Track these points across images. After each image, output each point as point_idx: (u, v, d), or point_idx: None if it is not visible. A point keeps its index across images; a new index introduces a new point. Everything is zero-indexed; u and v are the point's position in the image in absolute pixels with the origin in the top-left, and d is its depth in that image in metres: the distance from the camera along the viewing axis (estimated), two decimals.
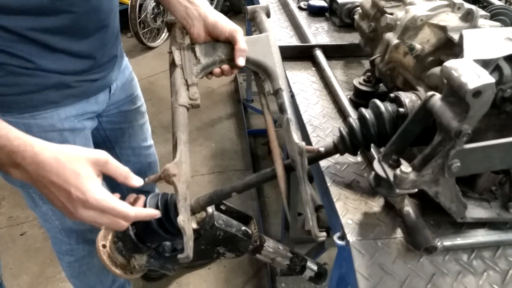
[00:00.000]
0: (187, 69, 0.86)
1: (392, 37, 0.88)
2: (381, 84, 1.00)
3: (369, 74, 0.96)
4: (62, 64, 0.86)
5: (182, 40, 0.91)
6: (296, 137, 0.76)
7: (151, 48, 4.08)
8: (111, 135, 1.13)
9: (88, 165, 0.62)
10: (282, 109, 0.82)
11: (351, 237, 0.68)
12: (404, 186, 0.60)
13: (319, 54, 1.19)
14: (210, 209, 0.87)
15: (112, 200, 0.63)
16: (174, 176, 0.70)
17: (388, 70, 0.91)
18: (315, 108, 1.02)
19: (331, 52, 1.23)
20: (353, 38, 1.37)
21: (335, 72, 1.12)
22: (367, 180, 0.80)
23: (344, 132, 0.77)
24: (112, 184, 1.08)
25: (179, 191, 0.71)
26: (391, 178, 0.62)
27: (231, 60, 0.89)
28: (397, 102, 0.75)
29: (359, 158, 0.86)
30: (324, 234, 0.67)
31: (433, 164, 0.58)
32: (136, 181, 0.69)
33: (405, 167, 0.60)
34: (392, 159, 0.65)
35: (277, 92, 0.84)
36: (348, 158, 0.86)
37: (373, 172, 0.70)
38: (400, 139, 0.65)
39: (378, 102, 0.75)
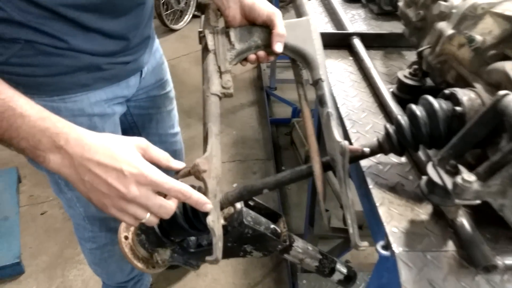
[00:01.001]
0: (220, 54, 0.80)
1: (445, 27, 0.80)
2: (427, 79, 0.92)
3: (415, 67, 0.88)
4: (94, 45, 0.81)
5: (216, 23, 0.85)
6: (338, 134, 0.69)
7: (173, 31, 4.03)
8: (138, 121, 1.09)
9: (133, 147, 0.59)
10: (322, 101, 0.75)
11: (397, 248, 0.62)
12: (465, 197, 0.54)
13: (357, 43, 1.11)
14: (238, 205, 0.82)
15: (167, 176, 0.60)
16: (204, 172, 0.65)
17: (438, 63, 0.83)
18: (353, 101, 0.95)
19: (370, 41, 1.15)
20: (392, 27, 1.28)
21: (374, 63, 1.04)
22: (412, 184, 0.73)
23: (391, 130, 0.70)
24: None
25: (209, 188, 0.65)
26: (450, 186, 0.55)
27: (267, 46, 0.82)
28: (453, 99, 0.67)
29: (403, 159, 0.79)
30: (366, 244, 0.61)
31: (504, 174, 0.51)
32: (177, 164, 0.66)
33: (467, 175, 0.53)
34: (450, 165, 0.58)
35: (317, 83, 0.78)
36: (391, 158, 0.79)
37: (424, 177, 0.63)
38: (461, 143, 0.58)
39: (431, 98, 0.68)
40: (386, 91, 0.92)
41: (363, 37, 1.14)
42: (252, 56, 0.83)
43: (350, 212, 0.61)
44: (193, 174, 0.65)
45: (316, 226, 1.43)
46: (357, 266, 1.70)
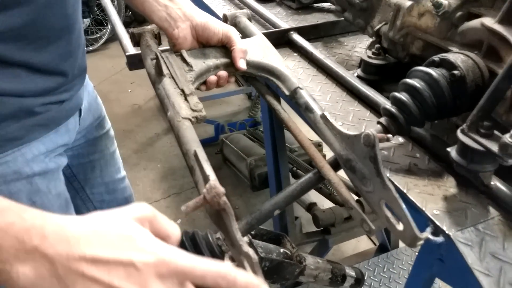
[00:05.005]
0: (179, 77, 0.69)
1: (402, 0, 0.79)
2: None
3: (378, 45, 0.86)
4: (21, 83, 0.61)
5: (157, 49, 0.76)
6: (345, 130, 0.63)
7: None
8: (79, 173, 0.87)
9: (137, 223, 0.40)
10: (308, 108, 0.70)
11: (449, 230, 0.57)
12: None
13: (297, 37, 1.07)
14: (245, 238, 0.69)
15: (195, 256, 0.41)
16: (225, 195, 0.49)
17: (401, 38, 0.82)
18: (320, 94, 0.89)
19: (307, 34, 1.11)
20: (316, 18, 1.28)
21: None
22: (423, 161, 0.70)
23: (393, 110, 0.66)
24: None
25: (233, 215, 0.52)
26: (495, 148, 0.52)
27: (227, 66, 0.76)
28: (445, 65, 0.65)
29: (401, 139, 0.75)
30: (425, 234, 0.54)
31: None
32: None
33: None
34: (484, 127, 0.54)
35: (295, 92, 0.73)
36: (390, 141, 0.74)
37: (451, 149, 0.59)
38: (489, 102, 0.55)
39: (427, 69, 0.65)
40: (351, 76, 0.89)
41: (300, 31, 1.10)
42: (212, 78, 0.74)
43: (400, 204, 0.53)
44: (210, 201, 0.49)
45: (291, 236, 1.35)
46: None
